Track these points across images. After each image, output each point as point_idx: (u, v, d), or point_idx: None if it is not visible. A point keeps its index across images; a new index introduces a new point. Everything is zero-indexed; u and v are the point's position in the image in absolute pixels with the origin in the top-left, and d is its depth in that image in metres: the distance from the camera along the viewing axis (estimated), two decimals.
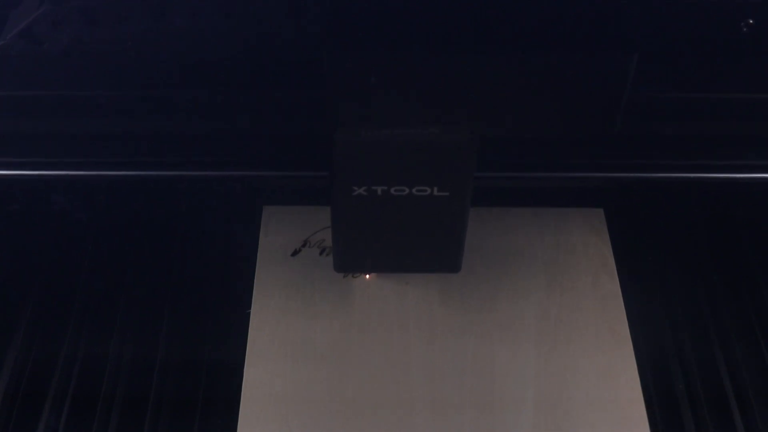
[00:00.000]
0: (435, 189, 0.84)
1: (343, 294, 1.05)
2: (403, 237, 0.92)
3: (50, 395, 1.01)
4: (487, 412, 0.95)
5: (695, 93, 0.90)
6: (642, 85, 0.83)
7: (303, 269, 1.07)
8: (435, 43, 0.79)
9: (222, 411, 0.99)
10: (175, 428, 0.99)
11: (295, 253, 1.09)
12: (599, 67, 0.78)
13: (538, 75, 0.79)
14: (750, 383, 1.02)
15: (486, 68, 0.78)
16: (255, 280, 1.06)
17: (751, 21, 0.88)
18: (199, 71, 0.87)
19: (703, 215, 1.18)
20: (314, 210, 1.12)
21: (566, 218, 1.12)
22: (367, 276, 1.07)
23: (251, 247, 1.09)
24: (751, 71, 0.89)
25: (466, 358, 1.00)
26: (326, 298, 1.04)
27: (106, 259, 1.15)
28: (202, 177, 0.95)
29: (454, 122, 0.80)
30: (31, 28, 0.83)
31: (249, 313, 1.03)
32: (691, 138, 0.93)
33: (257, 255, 1.08)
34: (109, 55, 0.85)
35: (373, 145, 0.80)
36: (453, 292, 1.05)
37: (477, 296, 1.05)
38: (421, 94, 0.80)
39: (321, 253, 1.08)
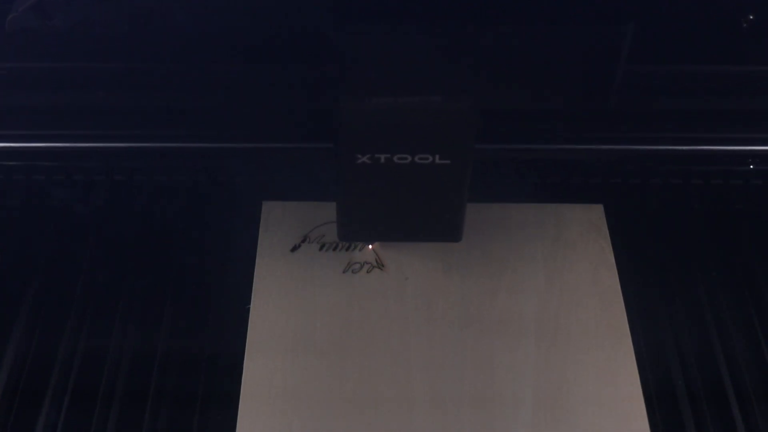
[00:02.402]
0: (436, 157, 0.86)
1: (343, 289, 1.05)
2: (405, 206, 0.93)
3: (50, 390, 1.01)
4: (487, 407, 0.95)
5: (691, 66, 0.90)
6: (642, 60, 0.84)
7: (303, 265, 1.07)
8: (433, 15, 0.80)
9: (221, 406, 0.98)
10: (174, 423, 0.99)
11: (294, 248, 1.09)
12: (593, 38, 0.79)
13: (533, 47, 0.80)
14: (749, 379, 1.03)
15: (482, 40, 0.80)
16: (254, 276, 1.06)
17: (751, 17, 0.88)
18: (205, 46, 0.87)
19: (702, 211, 1.18)
20: (314, 205, 1.12)
21: (566, 214, 1.12)
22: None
23: (251, 242, 1.09)
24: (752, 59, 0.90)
25: (466, 354, 1.00)
26: (326, 293, 1.05)
27: (105, 254, 1.15)
28: (205, 149, 0.96)
29: (456, 91, 0.81)
30: (42, 2, 0.83)
31: (248, 309, 1.03)
32: (688, 113, 0.94)
33: (257, 250, 1.08)
34: (116, 30, 0.86)
35: (377, 111, 0.82)
36: (452, 287, 1.05)
37: (477, 292, 1.05)
38: (419, 66, 0.81)
39: (321, 249, 1.09)
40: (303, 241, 1.10)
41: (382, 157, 0.86)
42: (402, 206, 0.93)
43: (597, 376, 0.98)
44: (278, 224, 1.11)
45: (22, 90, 0.91)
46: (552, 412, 0.95)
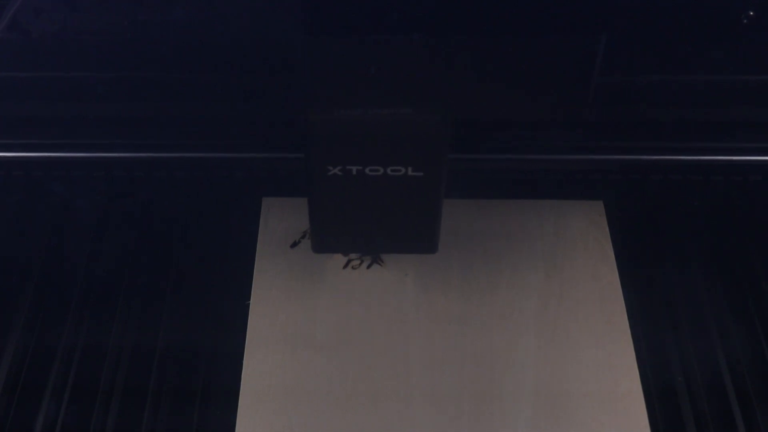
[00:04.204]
0: (409, 169, 0.85)
1: (343, 285, 1.05)
2: (379, 218, 0.92)
3: (50, 385, 1.01)
4: (486, 403, 0.95)
5: (689, 76, 0.90)
6: (641, 71, 0.84)
7: (302, 261, 1.07)
8: (406, 27, 0.80)
9: (221, 401, 0.98)
10: (174, 418, 0.99)
11: (294, 244, 1.09)
12: (567, 49, 0.79)
13: (509, 58, 0.80)
14: (749, 376, 1.02)
15: (456, 51, 0.80)
16: (254, 272, 1.06)
17: (751, 13, 0.88)
18: (186, 54, 0.87)
19: (702, 207, 1.18)
20: None
21: (566, 210, 1.12)
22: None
23: (251, 238, 1.09)
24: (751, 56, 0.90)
25: (466, 350, 1.00)
26: (325, 289, 1.05)
27: (105, 249, 1.15)
28: (196, 160, 0.96)
29: (428, 103, 0.81)
30: (15, 18, 0.84)
31: (248, 305, 1.03)
32: (684, 122, 0.94)
33: (256, 246, 1.08)
34: (97, 38, 0.86)
35: (347, 123, 0.81)
36: (452, 283, 1.05)
37: (476, 288, 1.05)
38: (391, 77, 0.81)
39: None
40: (303, 237, 1.10)
41: (354, 169, 0.85)
42: (376, 218, 0.93)
43: (597, 373, 0.98)
44: (278, 220, 1.11)
45: (14, 100, 0.91)
46: (551, 408, 0.95)
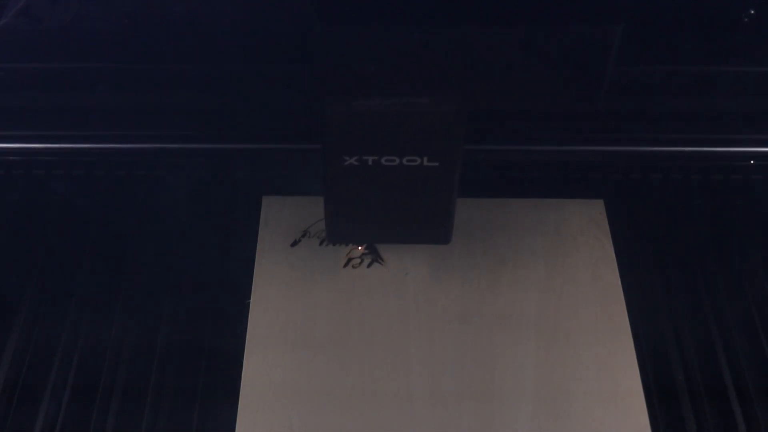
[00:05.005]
0: (425, 159, 0.85)
1: (343, 284, 1.05)
2: (394, 207, 0.92)
3: (50, 384, 1.01)
4: (487, 402, 0.95)
5: (689, 66, 0.90)
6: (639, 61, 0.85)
7: (303, 259, 1.07)
8: (420, 16, 0.80)
9: (222, 400, 0.98)
10: (174, 418, 0.99)
11: (294, 243, 1.09)
12: (582, 40, 0.79)
13: (522, 48, 0.80)
14: (749, 374, 1.02)
15: (470, 41, 0.80)
16: (255, 271, 1.06)
17: (752, 11, 0.88)
18: (196, 45, 0.87)
19: (703, 206, 1.18)
20: (314, 200, 1.12)
21: (566, 209, 1.12)
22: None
23: (251, 237, 1.09)
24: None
25: (466, 349, 1.00)
26: (326, 288, 1.05)
27: (105, 248, 1.15)
28: (200, 150, 0.96)
29: (443, 93, 0.81)
30: (29, 6, 0.84)
31: (249, 304, 1.03)
32: (686, 114, 0.94)
33: (257, 245, 1.08)
34: (108, 29, 0.86)
35: (364, 114, 0.82)
36: (453, 282, 1.05)
37: (477, 287, 1.05)
38: (407, 67, 0.81)
39: (321, 244, 1.09)
40: (303, 235, 1.10)
41: (370, 159, 0.85)
42: (391, 208, 0.93)
43: (597, 372, 0.98)
44: (278, 219, 1.11)
45: (17, 91, 0.91)
46: (552, 407, 0.95)
